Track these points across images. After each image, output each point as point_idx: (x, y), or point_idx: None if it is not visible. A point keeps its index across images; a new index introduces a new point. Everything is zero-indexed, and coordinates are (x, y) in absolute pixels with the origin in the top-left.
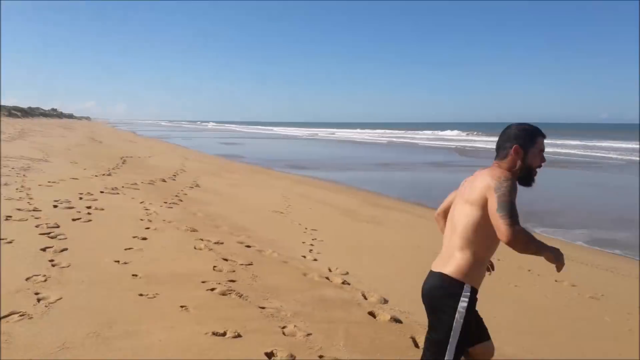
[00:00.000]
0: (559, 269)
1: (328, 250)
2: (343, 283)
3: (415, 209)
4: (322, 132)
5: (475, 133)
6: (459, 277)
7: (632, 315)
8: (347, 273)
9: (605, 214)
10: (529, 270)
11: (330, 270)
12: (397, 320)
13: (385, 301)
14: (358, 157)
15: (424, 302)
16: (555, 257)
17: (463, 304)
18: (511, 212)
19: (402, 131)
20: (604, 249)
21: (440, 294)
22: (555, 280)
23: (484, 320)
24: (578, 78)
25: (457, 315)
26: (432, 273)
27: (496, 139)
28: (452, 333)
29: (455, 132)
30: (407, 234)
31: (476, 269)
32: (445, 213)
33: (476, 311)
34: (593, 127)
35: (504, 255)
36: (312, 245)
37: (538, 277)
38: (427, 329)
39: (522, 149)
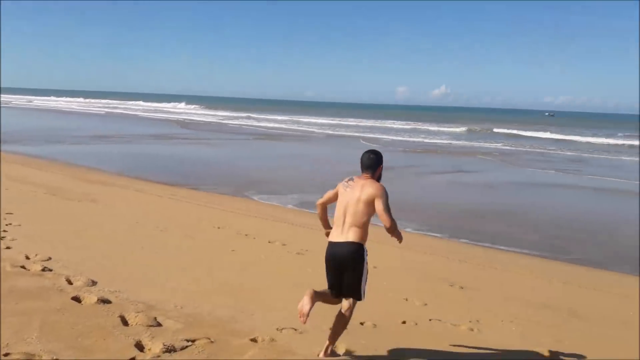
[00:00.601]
0: (399, 241)
1: (26, 235)
2: (43, 270)
3: (136, 183)
4: (15, 99)
5: (195, 107)
6: (362, 242)
7: None
8: (50, 259)
9: (312, 181)
10: (246, 235)
11: (27, 258)
12: (105, 301)
13: (94, 283)
14: (68, 128)
15: (334, 264)
16: (400, 235)
17: (366, 257)
18: (390, 211)
19: (118, 101)
20: (310, 210)
21: (356, 254)
22: (269, 242)
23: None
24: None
25: (365, 265)
26: (340, 243)
27: (215, 112)
28: (364, 276)
29: (172, 104)
30: (126, 210)
31: (366, 236)
32: (325, 204)
33: None
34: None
35: (223, 224)
36: (5, 231)
37: (254, 240)
38: (333, 282)
39: (381, 167)
